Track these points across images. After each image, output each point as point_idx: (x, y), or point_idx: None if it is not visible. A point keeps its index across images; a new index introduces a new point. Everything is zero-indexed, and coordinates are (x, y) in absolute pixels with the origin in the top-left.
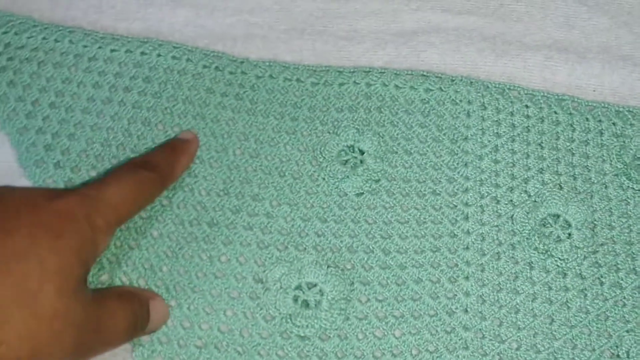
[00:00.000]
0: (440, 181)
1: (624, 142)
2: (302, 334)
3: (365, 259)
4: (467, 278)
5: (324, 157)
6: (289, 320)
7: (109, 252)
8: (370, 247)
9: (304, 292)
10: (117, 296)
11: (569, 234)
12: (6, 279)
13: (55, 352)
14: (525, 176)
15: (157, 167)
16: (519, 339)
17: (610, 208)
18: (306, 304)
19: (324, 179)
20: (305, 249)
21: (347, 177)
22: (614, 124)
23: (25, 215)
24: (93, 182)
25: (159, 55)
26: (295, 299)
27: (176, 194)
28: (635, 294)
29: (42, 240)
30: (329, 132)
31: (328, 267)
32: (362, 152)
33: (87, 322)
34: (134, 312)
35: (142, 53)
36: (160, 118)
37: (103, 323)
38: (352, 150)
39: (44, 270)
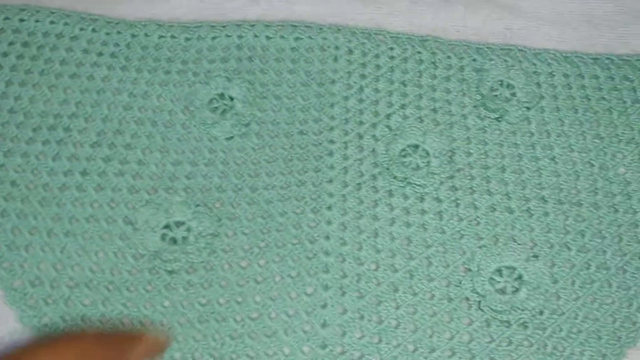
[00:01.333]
0: (307, 122)
1: (482, 75)
2: (170, 269)
3: (234, 197)
4: (329, 208)
5: (195, 106)
6: (156, 257)
7: None
8: (239, 185)
9: (171, 230)
10: None
11: (428, 162)
12: None
13: None
14: (388, 112)
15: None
16: (377, 261)
17: (469, 137)
18: (173, 241)
19: (195, 125)
20: (175, 191)
21: (217, 122)
22: (474, 60)
23: None
24: None
25: (37, 21)
26: (163, 237)
27: (50, 147)
28: (489, 212)
29: None
30: (200, 82)
31: (197, 206)
32: (231, 99)
33: None
34: None
35: (21, 20)
36: (37, 80)
37: None
38: (222, 98)
39: None
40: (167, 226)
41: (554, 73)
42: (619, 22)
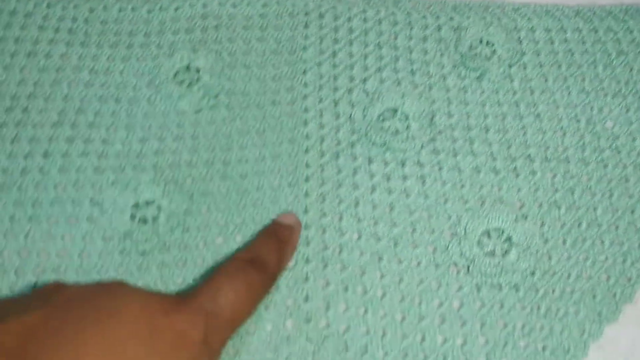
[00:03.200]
0: (279, 91)
1: (460, 34)
2: (142, 249)
3: (205, 172)
4: (307, 179)
5: (160, 80)
6: (127, 237)
7: None
8: (210, 160)
9: (141, 210)
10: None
11: (407, 126)
12: None
13: None
14: (364, 76)
15: (266, 266)
16: (359, 230)
17: (449, 97)
18: (144, 221)
19: (160, 100)
20: (143, 169)
21: (184, 95)
22: (451, 18)
23: (142, 327)
24: (205, 287)
25: None
26: (133, 217)
27: (8, 129)
28: (473, 174)
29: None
30: (165, 55)
31: (166, 184)
32: (198, 71)
33: None
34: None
35: None
36: None
37: None
38: (188, 70)
39: None
40: (136, 205)
41: (535, 28)
42: None
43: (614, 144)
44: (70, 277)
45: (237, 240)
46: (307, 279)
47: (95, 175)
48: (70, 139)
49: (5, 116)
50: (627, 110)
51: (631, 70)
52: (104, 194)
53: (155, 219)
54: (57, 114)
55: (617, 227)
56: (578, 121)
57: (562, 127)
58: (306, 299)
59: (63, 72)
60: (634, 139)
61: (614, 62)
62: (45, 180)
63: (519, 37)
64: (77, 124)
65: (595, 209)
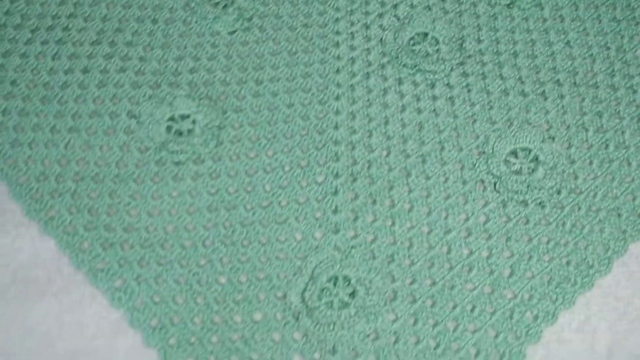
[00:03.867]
0: (311, 15)
1: None
2: (177, 160)
3: (238, 89)
4: (337, 98)
5: (196, 1)
6: (162, 148)
7: None
8: (243, 78)
9: (176, 123)
10: None
11: (438, 49)
12: None
13: None
14: (395, 2)
15: None
16: (388, 147)
17: (479, 24)
18: (179, 133)
19: (196, 21)
20: (178, 85)
21: (219, 17)
22: None
23: None
24: None
25: None
26: (168, 130)
27: (49, 47)
28: (502, 97)
29: None
30: None
31: (200, 99)
32: None
33: None
34: None
35: None
36: None
37: None
38: None
39: None
40: (172, 119)
41: None
42: None
43: None
44: (108, 185)
45: (269, 154)
46: (336, 192)
47: (132, 90)
48: (108, 56)
49: (46, 34)
50: None
51: None
52: (141, 107)
53: (190, 132)
54: (95, 34)
55: None
56: (608, 49)
57: (591, 55)
58: (335, 211)
59: None
60: None
61: None
62: (84, 94)
63: None
64: (116, 43)
65: (623, 132)
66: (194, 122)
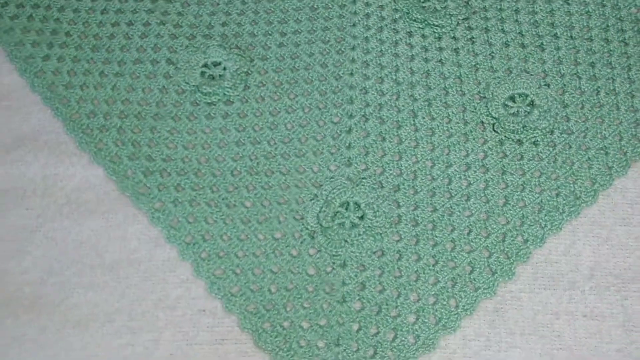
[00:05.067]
0: None
1: None
2: (209, 101)
3: (264, 40)
4: (353, 49)
5: None
6: (197, 91)
7: None
8: (269, 31)
9: (209, 69)
10: None
11: (445, 6)
12: None
13: None
14: None
15: None
16: (398, 92)
17: None
18: (212, 78)
19: None
20: (211, 37)
21: None
22: None
23: None
24: None
25: None
26: (202, 74)
27: (98, 2)
28: (503, 48)
29: None
30: None
31: (231, 49)
32: None
33: None
34: None
35: None
36: None
37: None
38: None
39: None
40: (205, 65)
41: None
42: None
43: (637, 27)
44: (149, 122)
45: (290, 97)
46: (350, 131)
47: (171, 40)
48: (150, 11)
49: None
50: None
51: None
52: (178, 55)
53: (221, 76)
54: None
55: (632, 96)
56: (604, 6)
57: (588, 11)
58: (348, 147)
59: None
60: None
61: None
62: (129, 44)
63: None
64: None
65: (613, 80)
66: (224, 68)
